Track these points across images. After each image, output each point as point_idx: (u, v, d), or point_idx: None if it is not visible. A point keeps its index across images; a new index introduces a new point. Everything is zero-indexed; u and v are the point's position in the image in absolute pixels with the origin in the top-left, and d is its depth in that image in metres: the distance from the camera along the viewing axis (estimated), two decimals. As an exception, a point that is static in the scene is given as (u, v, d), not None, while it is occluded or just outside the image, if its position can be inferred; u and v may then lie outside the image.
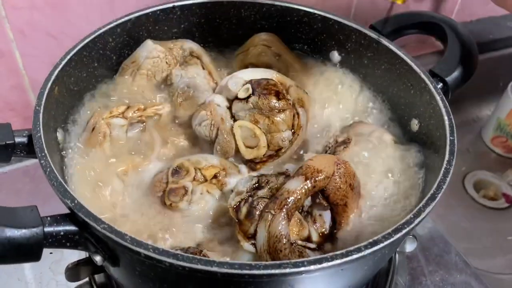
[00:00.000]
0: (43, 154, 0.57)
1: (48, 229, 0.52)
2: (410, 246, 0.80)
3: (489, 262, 1.18)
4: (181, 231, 0.65)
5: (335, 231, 0.64)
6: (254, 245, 0.60)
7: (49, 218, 0.53)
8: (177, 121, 0.79)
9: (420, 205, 0.55)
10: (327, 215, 0.64)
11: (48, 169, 0.56)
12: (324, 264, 0.48)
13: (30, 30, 0.94)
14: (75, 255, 0.77)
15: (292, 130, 0.73)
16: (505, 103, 1.36)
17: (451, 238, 1.17)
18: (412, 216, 0.54)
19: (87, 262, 0.66)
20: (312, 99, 0.81)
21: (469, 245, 1.22)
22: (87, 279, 0.79)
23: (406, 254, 0.86)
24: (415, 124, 0.75)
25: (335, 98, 0.82)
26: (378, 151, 0.73)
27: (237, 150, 0.73)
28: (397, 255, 0.82)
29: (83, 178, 0.69)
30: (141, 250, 0.49)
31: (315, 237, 0.62)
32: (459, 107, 1.52)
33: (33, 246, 0.51)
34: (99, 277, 0.79)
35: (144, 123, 0.76)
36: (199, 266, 0.48)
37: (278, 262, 0.47)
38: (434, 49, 1.46)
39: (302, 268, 0.48)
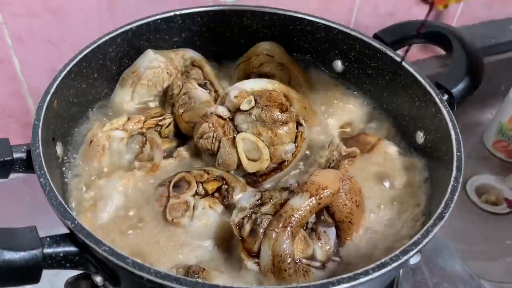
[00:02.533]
0: (42, 172, 0.56)
1: (47, 250, 0.51)
2: (414, 259, 0.79)
3: (491, 268, 1.18)
4: (183, 247, 0.64)
5: (340, 248, 0.63)
6: (257, 263, 0.59)
7: (48, 239, 0.52)
8: (178, 132, 0.77)
9: (428, 225, 0.54)
10: (331, 232, 0.62)
11: (48, 188, 0.55)
12: (331, 289, 0.47)
13: (29, 36, 0.93)
14: (75, 268, 0.75)
15: (295, 143, 0.72)
16: (507, 107, 1.35)
17: (452, 243, 1.16)
18: (420, 237, 0.53)
19: (87, 276, 0.65)
20: (315, 111, 0.79)
21: (471, 250, 1.21)
22: (86, 293, 0.78)
23: (410, 266, 0.85)
24: (420, 137, 0.74)
25: (339, 109, 0.81)
26: (383, 164, 0.72)
27: (240, 163, 0.71)
28: (400, 270, 0.81)
29: (83, 192, 0.68)
30: (143, 274, 0.48)
31: (319, 255, 0.61)
32: (460, 111, 1.51)
33: (32, 269, 0.50)
34: (99, 291, 0.78)
35: (145, 135, 0.74)
36: (203, 291, 0.47)
37: (284, 286, 0.46)
38: (435, 54, 1.45)
39: (309, 293, 0.47)
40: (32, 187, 0.98)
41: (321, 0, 1.19)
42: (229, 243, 0.65)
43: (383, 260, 0.50)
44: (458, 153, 0.62)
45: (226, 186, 0.69)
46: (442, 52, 1.44)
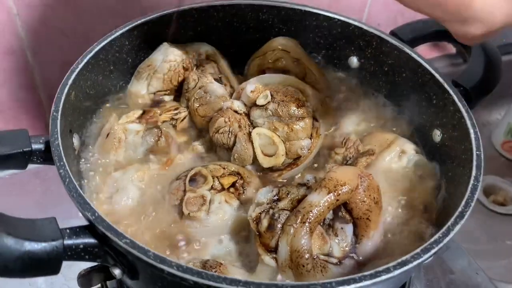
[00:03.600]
0: (62, 163, 0.56)
1: (67, 242, 0.51)
2: (426, 257, 0.79)
3: (499, 268, 1.18)
4: (199, 242, 0.64)
5: (356, 245, 0.63)
6: (275, 258, 0.59)
7: (68, 231, 0.51)
8: (193, 126, 0.77)
9: (449, 223, 0.54)
10: (349, 229, 0.62)
11: (68, 180, 0.54)
12: (353, 286, 0.47)
13: (42, 27, 0.93)
14: (87, 260, 0.75)
15: (311, 138, 0.72)
16: (516, 107, 1.35)
17: (460, 243, 1.16)
18: (440, 235, 0.52)
19: (100, 269, 0.64)
20: (331, 107, 0.79)
21: (479, 251, 1.21)
22: (99, 285, 0.78)
23: (423, 265, 0.84)
24: (437, 135, 0.74)
25: (355, 105, 0.80)
26: (400, 161, 0.72)
27: (255, 158, 0.71)
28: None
29: (98, 184, 0.68)
30: (165, 267, 0.48)
31: (337, 252, 0.61)
32: (468, 111, 1.51)
33: (52, 260, 0.50)
34: (111, 284, 0.78)
35: (160, 129, 0.74)
36: (224, 286, 0.46)
37: (306, 283, 0.46)
38: (446, 52, 1.45)
39: (331, 290, 0.46)
40: (43, 180, 0.98)
41: (333, -4, 1.19)
42: (245, 238, 0.65)
43: (404, 258, 0.50)
44: (477, 152, 0.62)
45: (241, 181, 0.69)
46: (452, 50, 1.44)
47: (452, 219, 0.54)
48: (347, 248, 0.62)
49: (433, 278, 0.85)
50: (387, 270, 0.48)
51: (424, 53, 1.38)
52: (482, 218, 1.29)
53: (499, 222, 1.28)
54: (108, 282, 0.78)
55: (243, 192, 0.68)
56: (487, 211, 1.30)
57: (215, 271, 0.58)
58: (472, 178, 0.59)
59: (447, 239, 0.52)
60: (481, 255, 1.19)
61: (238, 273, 0.60)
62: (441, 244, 0.52)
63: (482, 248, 1.22)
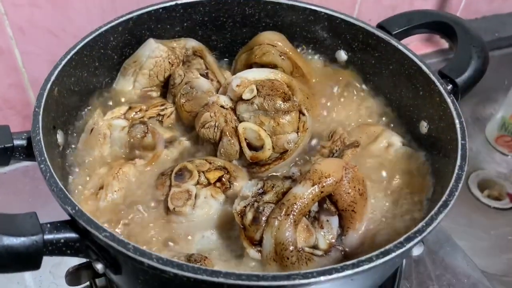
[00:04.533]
0: (42, 158, 0.56)
1: (48, 236, 0.50)
2: (417, 250, 0.78)
3: (494, 263, 1.17)
4: (184, 236, 0.63)
5: (342, 237, 0.62)
6: (259, 251, 0.59)
7: (49, 225, 0.51)
8: (179, 122, 0.77)
9: (432, 212, 0.53)
10: (334, 221, 0.62)
11: (48, 174, 0.54)
12: (335, 275, 0.47)
13: (30, 27, 0.93)
14: (75, 258, 0.75)
15: (298, 132, 0.72)
16: (509, 102, 1.35)
17: (454, 238, 1.16)
18: (424, 225, 0.52)
19: (88, 266, 0.64)
20: (318, 101, 0.79)
21: (474, 245, 1.21)
22: (88, 283, 0.77)
23: (413, 258, 0.84)
24: (424, 126, 0.74)
25: (342, 99, 0.80)
26: (386, 154, 0.72)
27: (242, 153, 0.71)
28: (404, 259, 0.80)
29: (83, 181, 0.68)
30: (145, 260, 0.47)
31: (322, 244, 0.60)
32: (463, 106, 1.51)
33: (32, 255, 0.49)
34: (100, 281, 0.78)
35: (146, 124, 0.74)
36: (205, 277, 0.46)
37: (287, 273, 0.46)
38: (438, 48, 1.45)
39: (312, 280, 0.46)
40: (32, 178, 0.98)
41: (324, -7, 1.18)
42: (231, 232, 0.64)
43: (387, 247, 0.50)
44: (462, 142, 0.62)
45: (228, 176, 0.68)
46: (445, 45, 1.44)
47: (436, 209, 0.54)
48: (333, 240, 0.62)
49: (424, 270, 0.85)
50: (370, 260, 0.48)
51: (417, 48, 1.39)
52: (477, 212, 1.29)
53: (494, 216, 1.28)
54: (97, 280, 0.78)
55: (230, 187, 0.68)
56: (482, 205, 1.30)
57: (200, 265, 0.57)
58: (457, 167, 0.58)
59: (430, 228, 0.52)
60: (475, 249, 1.19)
61: (223, 266, 0.60)
62: (425, 234, 0.51)
63: (476, 241, 1.22)
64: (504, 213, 1.29)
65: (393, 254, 0.49)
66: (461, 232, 1.24)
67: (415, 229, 0.52)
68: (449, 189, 0.56)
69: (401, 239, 0.50)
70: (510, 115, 1.34)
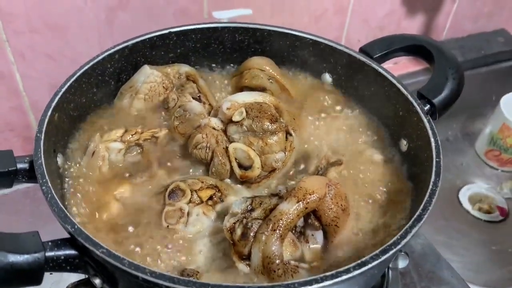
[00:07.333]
0: (44, 180, 0.60)
1: (49, 253, 0.54)
2: (402, 263, 0.82)
3: (484, 276, 1.20)
4: (177, 252, 0.67)
5: (326, 250, 0.66)
6: (248, 265, 0.62)
7: (50, 243, 0.55)
8: (173, 144, 0.81)
9: (407, 226, 0.57)
10: (319, 235, 0.66)
11: (49, 195, 0.58)
12: (315, 286, 0.50)
13: (30, 52, 0.97)
14: (75, 275, 0.78)
15: (285, 152, 0.76)
16: (497, 117, 1.38)
17: (446, 251, 1.18)
18: (399, 237, 0.56)
19: (87, 282, 0.67)
20: (304, 121, 0.83)
21: (464, 258, 1.23)
22: (87, 299, 0.80)
23: (399, 270, 0.87)
24: (404, 144, 0.78)
25: (328, 119, 0.84)
26: (369, 171, 0.76)
27: (232, 171, 0.75)
28: (390, 271, 0.83)
29: (83, 201, 0.72)
30: (139, 274, 0.51)
31: (308, 257, 0.64)
32: (453, 122, 1.56)
33: (35, 271, 0.53)
34: (98, 297, 0.81)
35: (142, 146, 0.78)
36: (194, 289, 0.50)
37: (270, 284, 0.49)
38: (426, 66, 1.48)
39: (294, 290, 0.50)
40: (33, 199, 1.01)
41: (312, 16, 1.24)
42: (222, 248, 0.68)
43: (363, 259, 0.53)
44: (437, 159, 0.66)
45: (219, 194, 0.72)
46: (432, 63, 1.49)
47: (410, 222, 0.57)
48: (318, 253, 0.65)
49: (409, 282, 0.88)
50: (347, 271, 0.52)
51: (405, 66, 1.44)
52: (467, 226, 1.31)
53: (484, 230, 1.31)
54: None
55: (221, 204, 0.71)
56: (473, 219, 1.33)
57: (191, 278, 0.61)
58: (431, 183, 0.62)
59: (405, 240, 0.55)
60: (466, 263, 1.21)
61: (214, 280, 0.63)
62: (399, 246, 0.55)
63: (467, 255, 1.24)
64: (495, 226, 1.32)
65: (369, 266, 0.53)
66: (452, 245, 1.27)
67: (391, 241, 0.55)
68: (423, 204, 0.60)
69: (377, 251, 0.54)
70: (498, 129, 1.38)
